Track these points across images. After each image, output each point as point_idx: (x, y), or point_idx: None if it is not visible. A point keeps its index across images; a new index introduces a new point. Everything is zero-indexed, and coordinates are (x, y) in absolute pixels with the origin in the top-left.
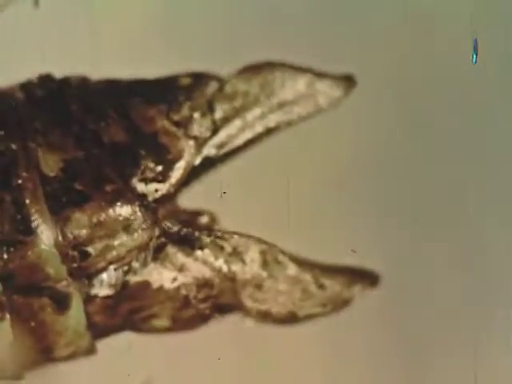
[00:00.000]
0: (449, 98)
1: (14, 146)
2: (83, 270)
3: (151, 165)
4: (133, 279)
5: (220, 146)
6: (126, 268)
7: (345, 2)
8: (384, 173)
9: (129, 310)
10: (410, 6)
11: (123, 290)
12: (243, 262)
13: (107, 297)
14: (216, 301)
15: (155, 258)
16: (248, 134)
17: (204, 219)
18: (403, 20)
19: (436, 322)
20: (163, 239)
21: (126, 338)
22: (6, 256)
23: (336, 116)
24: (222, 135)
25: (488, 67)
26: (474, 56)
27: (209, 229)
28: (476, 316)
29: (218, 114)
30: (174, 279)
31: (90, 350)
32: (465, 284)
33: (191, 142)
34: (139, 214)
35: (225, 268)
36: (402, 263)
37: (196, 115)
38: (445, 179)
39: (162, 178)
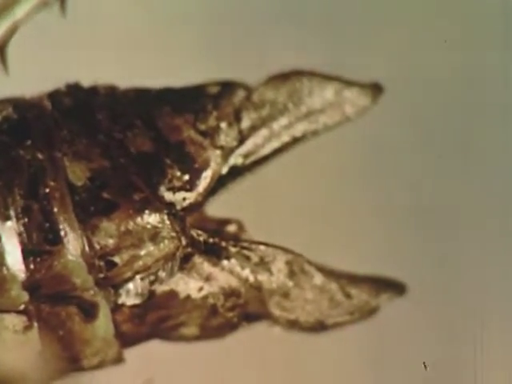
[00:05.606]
0: (479, 105)
1: (40, 156)
2: (109, 279)
3: (178, 173)
4: (159, 289)
5: (247, 155)
6: (152, 278)
7: (372, 11)
8: (409, 182)
9: (157, 319)
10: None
11: (150, 300)
12: (270, 271)
13: (134, 306)
14: (244, 309)
15: (182, 268)
16: (274, 144)
17: (232, 228)
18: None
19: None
20: (190, 249)
21: (153, 346)
22: (32, 266)
23: (362, 124)
24: (248, 145)
25: None
26: None
27: (235, 239)
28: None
29: (245, 124)
30: (201, 289)
31: (118, 359)
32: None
33: (218, 152)
34: (167, 222)
35: (251, 278)
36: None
37: (223, 125)
38: (472, 188)
39: (189, 186)
